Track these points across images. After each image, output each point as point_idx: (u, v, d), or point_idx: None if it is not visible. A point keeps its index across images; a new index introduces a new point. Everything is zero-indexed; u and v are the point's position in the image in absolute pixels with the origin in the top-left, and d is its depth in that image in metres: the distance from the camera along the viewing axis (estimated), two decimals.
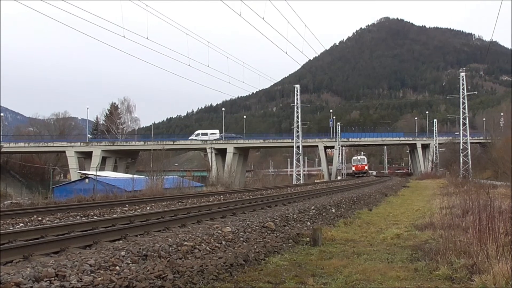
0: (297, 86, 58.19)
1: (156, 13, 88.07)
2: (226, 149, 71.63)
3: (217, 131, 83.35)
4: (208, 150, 70.92)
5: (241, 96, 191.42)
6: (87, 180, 36.13)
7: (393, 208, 17.27)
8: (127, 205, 14.60)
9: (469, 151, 57.66)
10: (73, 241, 7.05)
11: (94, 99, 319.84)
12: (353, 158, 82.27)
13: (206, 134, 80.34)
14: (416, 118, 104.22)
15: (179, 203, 15.56)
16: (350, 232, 10.49)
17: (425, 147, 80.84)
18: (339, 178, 69.57)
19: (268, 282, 5.89)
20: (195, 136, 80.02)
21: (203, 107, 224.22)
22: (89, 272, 5.33)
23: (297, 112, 55.70)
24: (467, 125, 58.10)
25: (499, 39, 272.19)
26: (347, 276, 6.19)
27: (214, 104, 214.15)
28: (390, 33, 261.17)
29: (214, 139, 77.59)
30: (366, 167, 76.83)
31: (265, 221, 10.51)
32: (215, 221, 10.53)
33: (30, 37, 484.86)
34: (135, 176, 38.51)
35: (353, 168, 75.39)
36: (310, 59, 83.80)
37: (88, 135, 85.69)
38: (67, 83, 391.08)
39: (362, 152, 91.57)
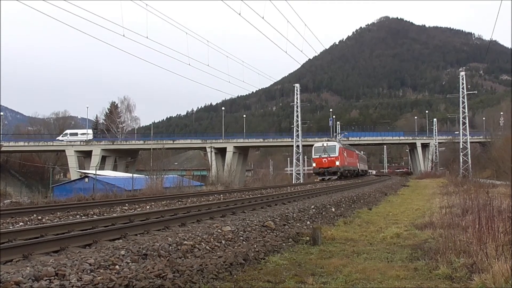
0: (297, 85, 58.21)
1: (156, 12, 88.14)
2: (226, 148, 71.62)
3: (90, 131, 77.35)
4: (208, 150, 70.96)
5: (241, 95, 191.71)
6: (86, 179, 36.15)
7: (393, 207, 17.27)
8: (126, 204, 14.60)
9: (469, 151, 57.75)
10: (73, 240, 7.05)
11: (94, 98, 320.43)
12: (315, 146, 44.55)
13: (76, 134, 74.43)
14: (416, 117, 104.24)
15: (179, 202, 15.57)
16: (350, 231, 10.49)
17: (425, 146, 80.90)
18: None
19: (267, 281, 5.89)
20: (62, 136, 74.15)
21: (203, 106, 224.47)
22: (89, 271, 5.33)
23: (297, 111, 55.73)
24: (467, 124, 58.17)
25: (499, 39, 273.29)
26: (347, 275, 6.19)
27: (214, 103, 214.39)
28: (390, 32, 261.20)
29: (85, 140, 72.54)
30: (338, 162, 41.40)
31: (265, 220, 10.51)
32: (215, 220, 10.53)
33: (30, 36, 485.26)
34: (135, 175, 38.52)
35: (314, 164, 43.20)
36: (310, 59, 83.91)
37: None
38: (67, 82, 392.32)
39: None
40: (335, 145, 42.77)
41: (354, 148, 59.27)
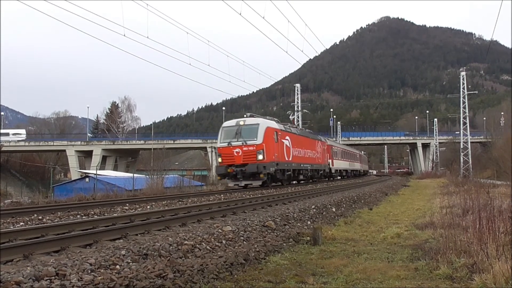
0: (298, 85, 58.24)
1: (156, 12, 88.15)
2: None
3: (23, 131, 73.89)
4: (209, 149, 70.97)
5: (241, 95, 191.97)
6: (87, 179, 36.21)
7: (393, 207, 17.28)
8: (127, 204, 14.59)
9: (470, 151, 57.74)
10: (73, 240, 7.04)
11: (94, 98, 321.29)
12: (223, 126, 25.56)
13: (7, 134, 69.76)
14: (416, 117, 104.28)
15: (180, 202, 15.55)
16: (351, 231, 10.49)
17: (425, 146, 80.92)
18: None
19: (268, 281, 5.89)
20: None
21: (203, 106, 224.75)
22: (89, 271, 5.33)
23: (298, 111, 55.73)
24: (468, 124, 58.18)
25: (500, 39, 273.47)
26: (348, 275, 6.19)
27: (214, 103, 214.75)
28: (391, 32, 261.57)
29: (18, 141, 68.97)
30: (262, 155, 23.20)
31: (266, 220, 10.50)
32: (215, 220, 10.52)
33: (31, 35, 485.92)
34: (135, 175, 38.53)
35: (219, 159, 24.57)
36: (310, 58, 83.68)
37: (89, 134, 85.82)
38: (68, 82, 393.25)
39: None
40: (257, 125, 23.93)
41: (325, 138, 40.99)
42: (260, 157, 23.10)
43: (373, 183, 35.59)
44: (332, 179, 39.85)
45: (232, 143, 23.62)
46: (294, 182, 30.60)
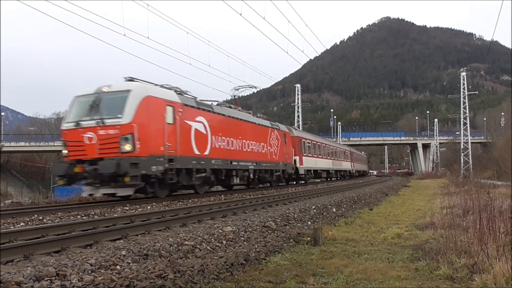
0: (298, 85, 58.34)
1: (157, 12, 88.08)
2: None
3: None
4: None
5: (242, 96, 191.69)
6: None
7: (394, 207, 17.26)
8: (128, 205, 14.58)
9: (470, 151, 57.76)
10: (73, 240, 7.04)
11: None
12: (77, 94, 14.99)
13: None
14: (417, 117, 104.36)
15: (180, 203, 15.54)
16: (351, 232, 10.48)
17: (425, 146, 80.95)
18: None
19: (268, 282, 5.89)
20: None
21: None
22: (89, 272, 5.33)
23: (298, 111, 55.75)
24: (468, 124, 58.22)
25: (500, 39, 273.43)
26: (348, 275, 6.19)
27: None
28: (391, 32, 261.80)
29: None
30: (132, 144, 13.28)
31: (266, 220, 10.50)
32: (216, 220, 10.52)
33: (31, 36, 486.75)
34: None
35: (65, 150, 13.80)
36: (311, 59, 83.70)
37: None
38: (68, 82, 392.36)
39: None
40: (127, 91, 13.96)
41: (288, 127, 32.32)
42: (128, 147, 13.52)
43: (373, 184, 35.57)
44: (304, 182, 31.02)
45: (82, 122, 13.95)
46: (237, 187, 22.01)
